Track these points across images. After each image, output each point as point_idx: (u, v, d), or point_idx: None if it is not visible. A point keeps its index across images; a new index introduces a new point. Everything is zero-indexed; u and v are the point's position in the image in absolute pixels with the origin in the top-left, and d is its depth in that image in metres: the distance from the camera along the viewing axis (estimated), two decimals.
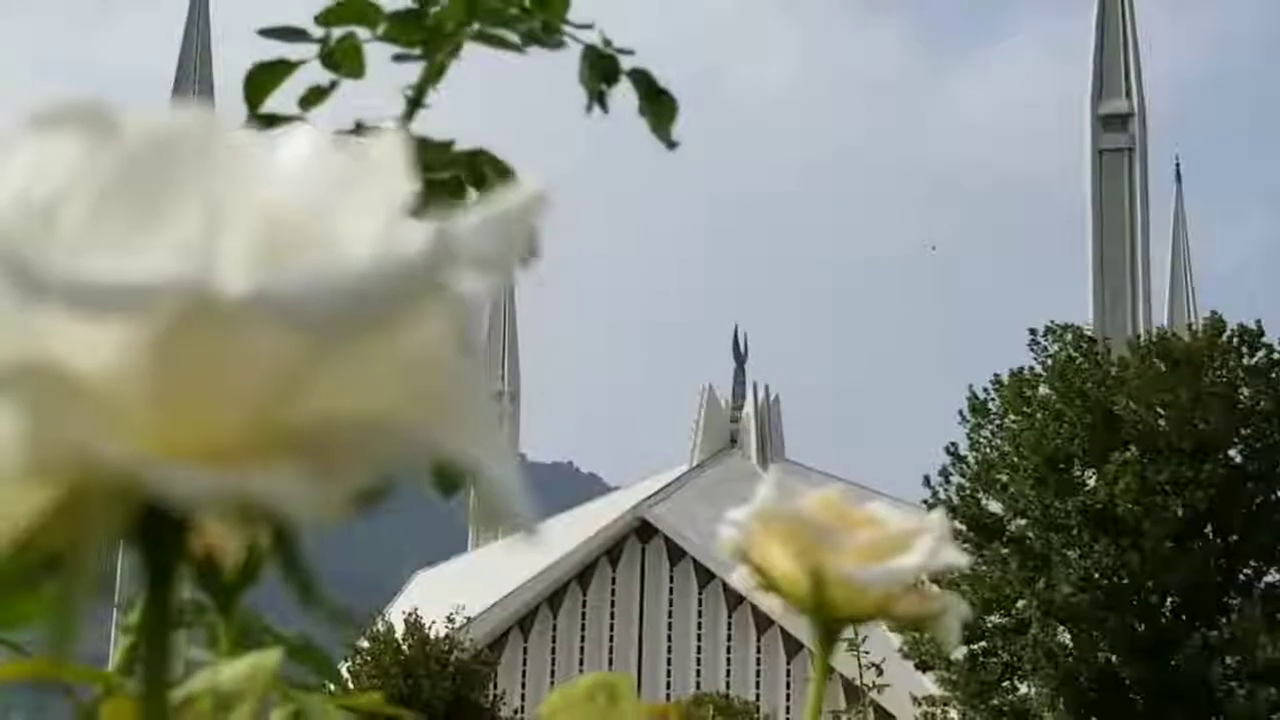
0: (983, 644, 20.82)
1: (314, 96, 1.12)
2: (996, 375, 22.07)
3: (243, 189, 0.32)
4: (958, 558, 0.76)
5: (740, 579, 0.79)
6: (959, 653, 20.51)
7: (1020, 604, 20.69)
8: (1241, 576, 21.19)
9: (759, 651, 34.38)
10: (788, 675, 33.79)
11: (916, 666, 20.88)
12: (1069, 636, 20.73)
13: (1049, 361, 21.63)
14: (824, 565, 0.75)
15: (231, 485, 0.30)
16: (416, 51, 1.11)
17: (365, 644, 23.41)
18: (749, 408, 39.19)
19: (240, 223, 0.31)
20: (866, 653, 4.31)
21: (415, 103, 1.11)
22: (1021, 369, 21.84)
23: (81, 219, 0.31)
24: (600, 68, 1.14)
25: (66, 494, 0.32)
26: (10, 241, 0.29)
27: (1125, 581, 20.54)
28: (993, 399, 21.98)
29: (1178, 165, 41.39)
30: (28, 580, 0.34)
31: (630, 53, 1.15)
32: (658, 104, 1.15)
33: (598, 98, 1.15)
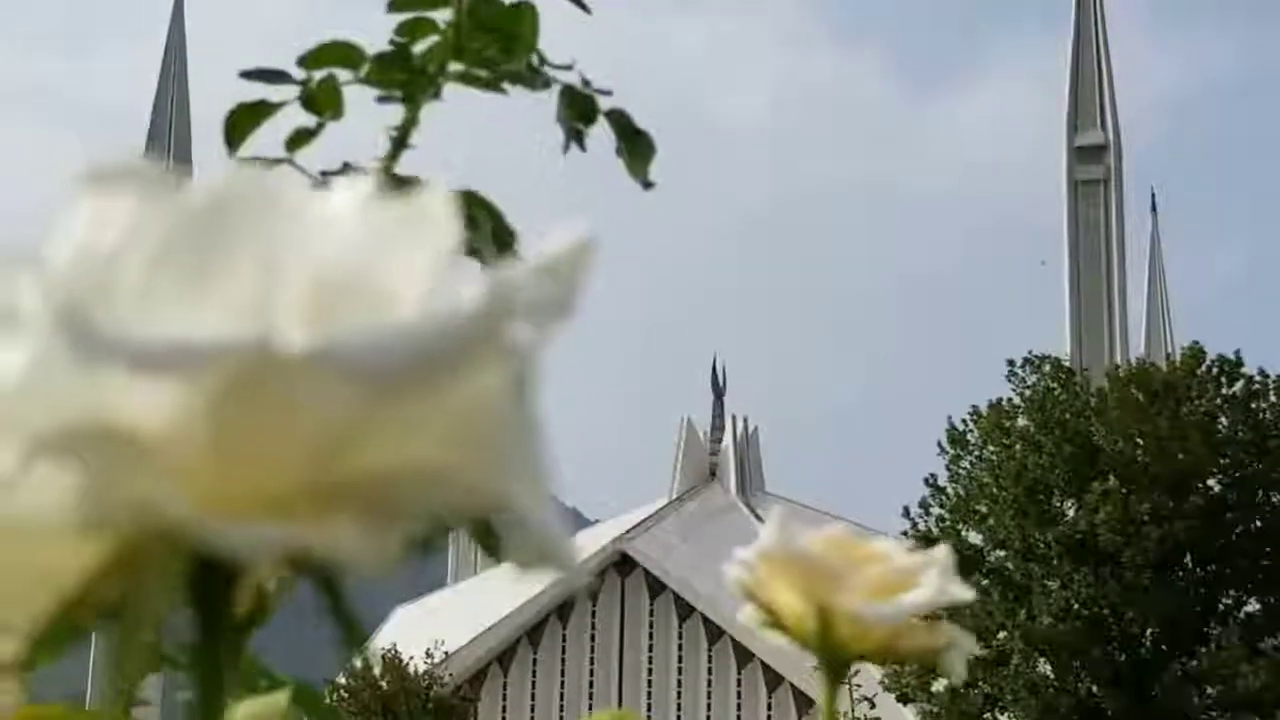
0: (961, 679, 20.77)
1: (300, 139, 1.13)
2: (975, 406, 22.09)
3: (296, 245, 0.32)
4: (964, 593, 0.77)
5: (746, 616, 0.79)
6: (940, 685, 20.49)
7: (1001, 635, 20.67)
8: (1221, 606, 21.20)
9: (739, 685, 34.29)
10: (769, 709, 33.70)
11: (898, 699, 20.85)
12: (1050, 667, 20.72)
13: (1027, 392, 21.66)
14: (830, 603, 0.76)
15: (289, 539, 0.31)
16: (399, 94, 1.12)
17: (343, 680, 23.32)
18: (728, 440, 39.15)
19: (294, 279, 0.32)
20: (858, 686, 4.31)
21: (400, 143, 1.12)
22: (1000, 400, 21.87)
23: (139, 279, 0.31)
24: (578, 107, 1.15)
25: (123, 547, 0.32)
26: (72, 302, 0.30)
27: (1105, 612, 20.55)
28: (971, 430, 21.99)
29: (1154, 196, 41.51)
30: (82, 632, 0.34)
31: (608, 93, 1.15)
32: (635, 144, 1.16)
33: (575, 137, 1.15)
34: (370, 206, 0.34)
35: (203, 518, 0.30)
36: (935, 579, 0.76)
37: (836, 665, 0.77)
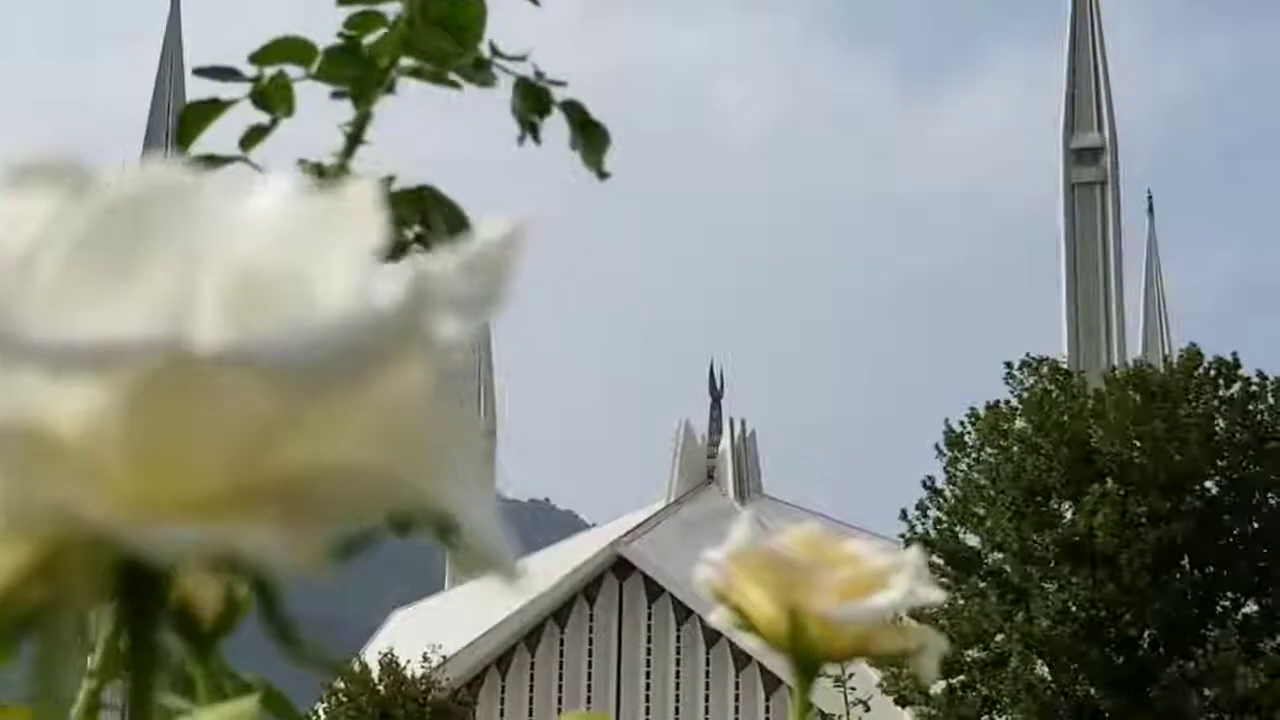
0: (961, 678, 20.79)
1: (254, 136, 1.12)
2: (972, 409, 22.09)
3: (218, 242, 0.32)
4: (934, 594, 0.76)
5: (719, 618, 0.79)
6: (938, 687, 20.48)
7: (999, 637, 20.67)
8: (1219, 608, 21.20)
9: (737, 688, 34.29)
10: (766, 712, 33.69)
11: (896, 702, 20.84)
12: (1047, 669, 20.71)
13: (1025, 395, 21.65)
14: (801, 604, 0.75)
15: (211, 539, 0.30)
16: (349, 89, 1.11)
17: (342, 685, 23.31)
18: (725, 443, 39.14)
19: (216, 276, 0.31)
20: (853, 689, 4.30)
21: (354, 139, 1.11)
22: (997, 402, 21.87)
23: (56, 276, 0.31)
24: (531, 100, 1.14)
25: (45, 552, 0.32)
26: None
27: (1103, 614, 20.54)
28: (969, 433, 21.99)
29: (1150, 198, 41.52)
30: (7, 637, 0.34)
31: (563, 84, 1.15)
32: (589, 135, 1.16)
33: (530, 129, 1.15)
34: (294, 202, 0.33)
35: (121, 520, 0.30)
36: (906, 580, 0.76)
37: (807, 666, 0.77)
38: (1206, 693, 20.41)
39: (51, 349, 0.29)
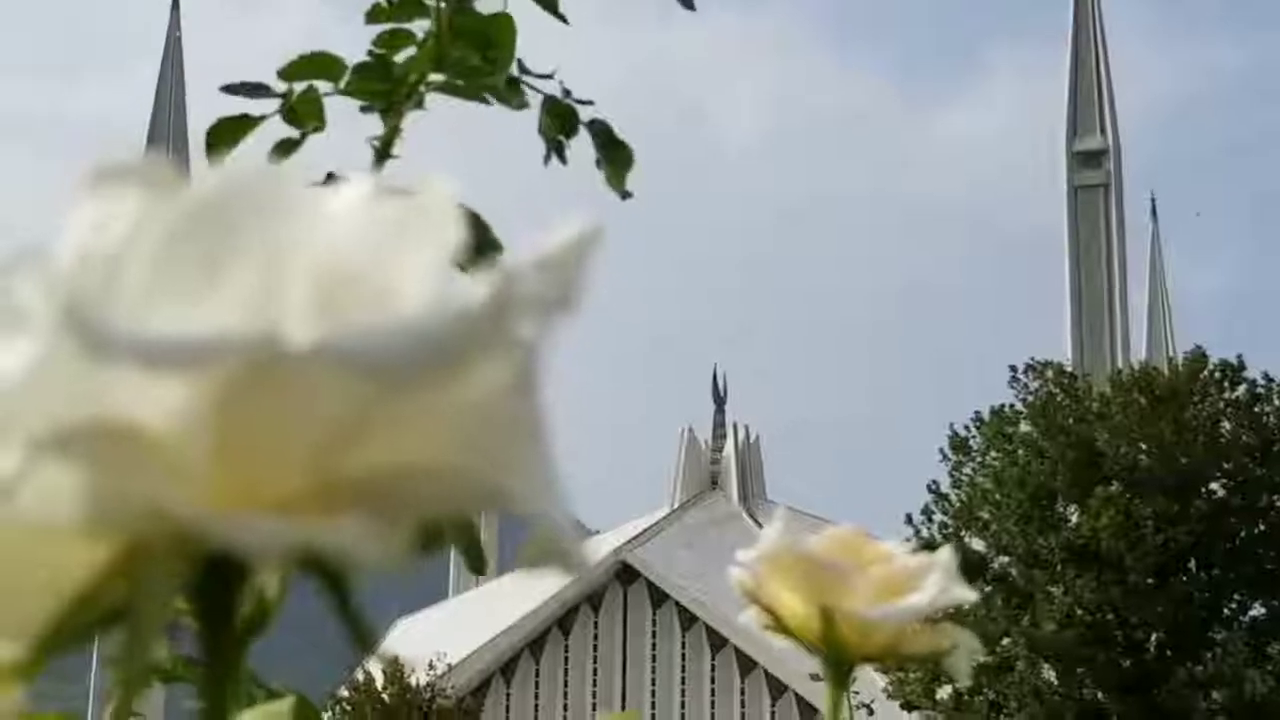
0: (967, 683, 20.75)
1: (284, 149, 1.13)
2: (977, 412, 22.08)
3: (301, 241, 0.32)
4: (967, 594, 0.77)
5: (749, 619, 0.79)
6: (944, 692, 20.46)
7: (1005, 642, 20.65)
8: (1226, 611, 21.17)
9: (743, 694, 34.25)
10: (772, 718, 33.66)
11: (902, 706, 20.84)
12: (1054, 674, 20.69)
13: (1030, 398, 21.64)
14: (834, 605, 0.75)
15: (297, 535, 0.31)
16: (380, 105, 1.12)
17: (346, 693, 23.29)
18: (729, 449, 39.09)
19: (299, 275, 0.32)
20: (856, 693, 4.31)
21: (383, 154, 1.12)
22: (1002, 406, 21.85)
23: (144, 276, 0.31)
24: (559, 118, 1.14)
25: (129, 548, 0.32)
26: (76, 299, 0.30)
27: (1110, 617, 20.52)
28: (974, 436, 21.97)
29: (1153, 201, 41.50)
30: (87, 635, 0.34)
31: (590, 103, 1.15)
32: (615, 155, 1.16)
33: (556, 148, 1.15)
34: (372, 204, 0.33)
35: (212, 514, 0.30)
36: (939, 581, 0.76)
37: (840, 667, 0.77)
38: (1214, 696, 20.39)
39: (143, 346, 0.30)
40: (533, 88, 1.14)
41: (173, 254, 0.31)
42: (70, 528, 0.31)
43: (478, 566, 0.86)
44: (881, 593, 0.76)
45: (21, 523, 0.31)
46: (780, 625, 0.77)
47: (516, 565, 0.35)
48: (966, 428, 22.08)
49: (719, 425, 40.03)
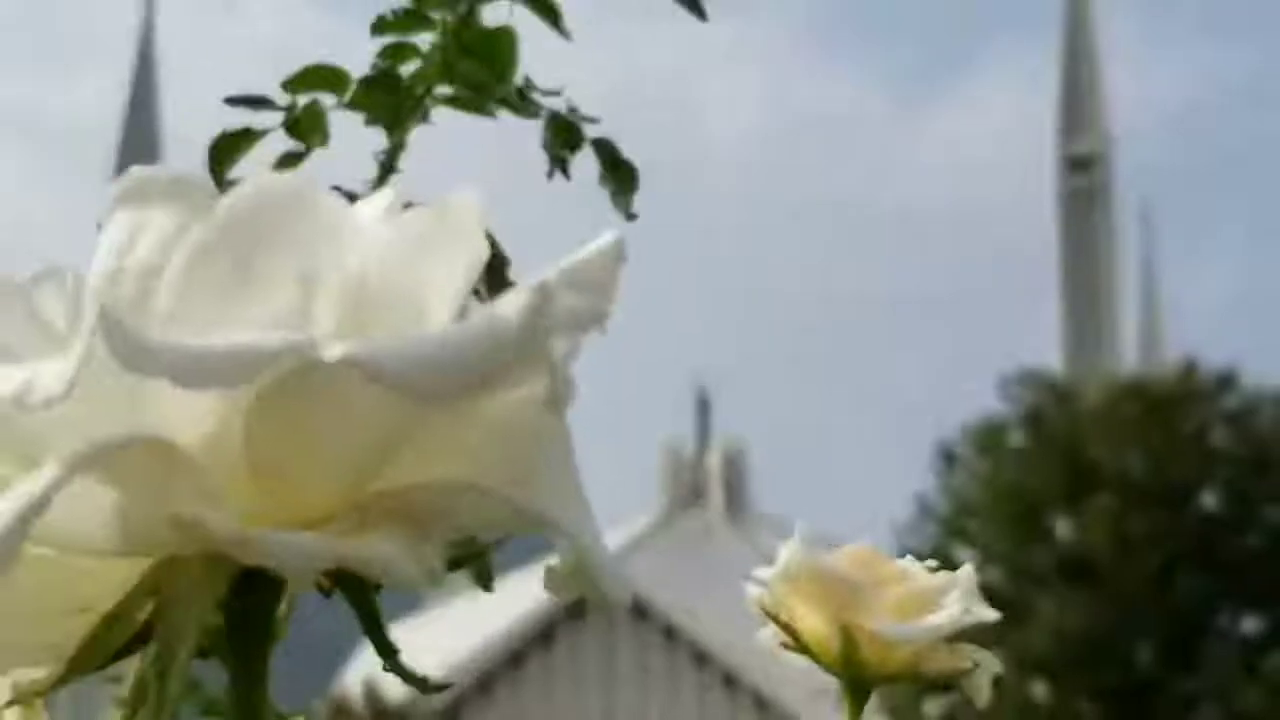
0: (956, 697, 20.79)
1: (286, 163, 1.12)
2: (966, 423, 22.10)
3: (333, 255, 0.32)
4: (989, 613, 0.76)
5: (768, 637, 0.78)
6: (932, 707, 20.48)
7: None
8: (1218, 625, 21.21)
9: (730, 711, 34.23)
10: None
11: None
12: (1044, 688, 20.71)
13: (1019, 407, 21.66)
14: (854, 623, 0.75)
15: (333, 552, 0.30)
16: (384, 118, 1.11)
17: (320, 708, 23.24)
18: (714, 459, 39.12)
19: (332, 288, 0.32)
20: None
21: (387, 168, 1.11)
22: (991, 416, 21.87)
23: (177, 289, 0.31)
24: (564, 135, 1.14)
25: (161, 565, 0.32)
26: (112, 312, 0.29)
27: (1101, 631, 20.55)
28: (962, 447, 21.99)
29: (1148, 207, 41.59)
30: (115, 656, 0.33)
31: (595, 120, 1.15)
32: (619, 174, 1.15)
33: (560, 165, 1.15)
34: (401, 216, 0.33)
35: (249, 530, 0.30)
36: (959, 599, 0.76)
37: (860, 686, 0.76)
38: (1206, 710, 20.41)
39: (177, 358, 0.29)
40: (537, 104, 1.13)
41: (206, 266, 0.31)
42: (104, 545, 0.31)
43: (486, 584, 0.84)
44: (902, 611, 0.75)
45: (56, 540, 0.31)
46: (799, 644, 0.76)
47: (544, 588, 0.35)
48: (955, 438, 22.11)
49: (703, 436, 40.06)
